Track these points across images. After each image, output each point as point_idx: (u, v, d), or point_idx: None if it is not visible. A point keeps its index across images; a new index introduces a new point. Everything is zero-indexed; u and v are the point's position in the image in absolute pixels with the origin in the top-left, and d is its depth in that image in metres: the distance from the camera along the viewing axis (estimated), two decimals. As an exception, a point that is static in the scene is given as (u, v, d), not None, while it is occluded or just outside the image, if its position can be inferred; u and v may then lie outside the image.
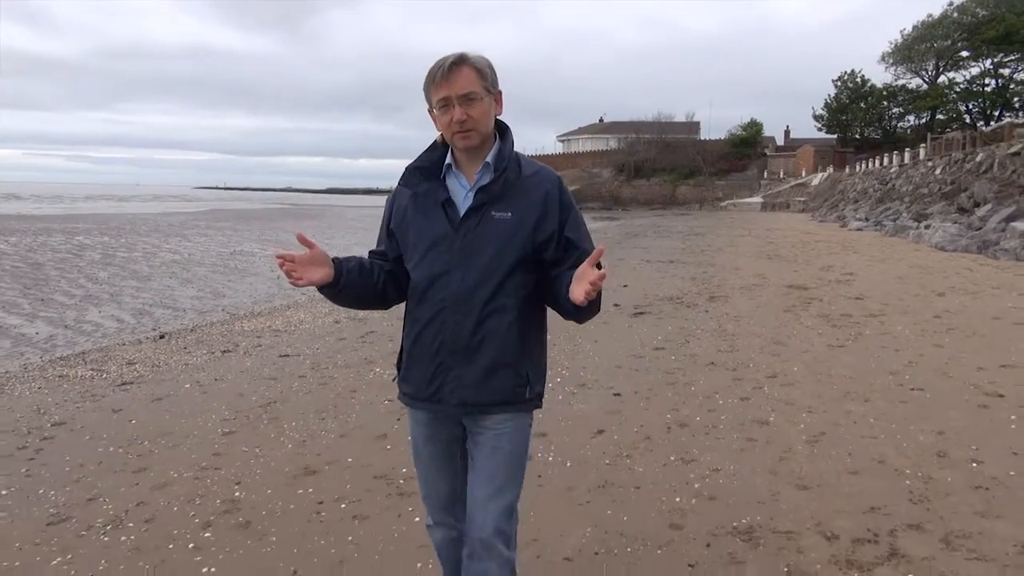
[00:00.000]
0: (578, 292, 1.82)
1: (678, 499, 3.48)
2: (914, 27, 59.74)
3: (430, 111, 2.02)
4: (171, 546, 3.19)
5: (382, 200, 2.52)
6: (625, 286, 11.52)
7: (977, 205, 21.68)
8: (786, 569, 2.80)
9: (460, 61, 1.93)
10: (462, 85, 1.92)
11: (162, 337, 9.15)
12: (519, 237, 1.97)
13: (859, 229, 26.06)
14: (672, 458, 4.01)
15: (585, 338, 7.37)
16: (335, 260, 2.01)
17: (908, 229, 21.77)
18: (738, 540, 3.05)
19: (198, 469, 4.12)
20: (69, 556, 3.12)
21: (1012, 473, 3.67)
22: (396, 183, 2.15)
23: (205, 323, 10.25)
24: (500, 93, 2.04)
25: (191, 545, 3.19)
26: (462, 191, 2.04)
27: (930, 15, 58.53)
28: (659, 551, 2.99)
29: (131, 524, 3.42)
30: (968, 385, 5.32)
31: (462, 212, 2.00)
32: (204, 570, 2.98)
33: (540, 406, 2.15)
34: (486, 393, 2.02)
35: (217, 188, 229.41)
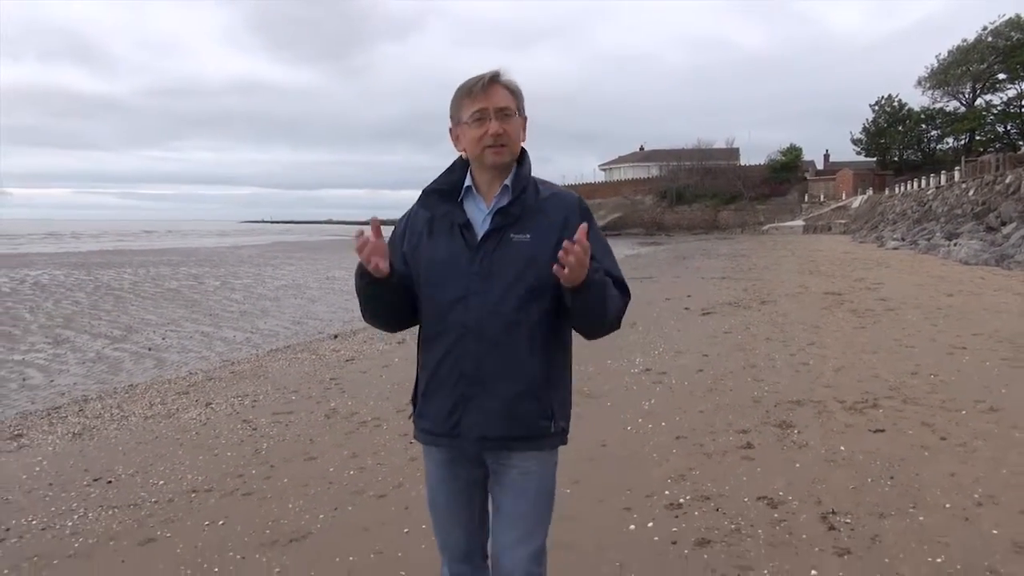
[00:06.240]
0: (557, 268, 1.77)
1: (755, 393, 6.07)
2: (949, 52, 60.99)
3: (452, 129, 2.01)
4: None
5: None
6: (689, 296, 14.09)
7: (1003, 224, 23.71)
8: (818, 411, 5.40)
9: (497, 78, 1.94)
10: (500, 99, 1.93)
11: (335, 337, 11.94)
12: (539, 259, 1.91)
13: (895, 248, 27.86)
14: (748, 380, 6.59)
15: (670, 329, 9.95)
16: None
17: (939, 247, 23.75)
18: (791, 404, 5.65)
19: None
20: (426, 420, 5.79)
21: (953, 379, 6.23)
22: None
23: (360, 328, 12.94)
24: (526, 119, 2.04)
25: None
26: (480, 214, 2.00)
27: (964, 40, 60.01)
28: (748, 408, 5.60)
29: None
30: (945, 344, 7.80)
31: (480, 235, 1.96)
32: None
33: (565, 442, 2.06)
34: (508, 426, 1.95)
35: (263, 222, 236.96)
